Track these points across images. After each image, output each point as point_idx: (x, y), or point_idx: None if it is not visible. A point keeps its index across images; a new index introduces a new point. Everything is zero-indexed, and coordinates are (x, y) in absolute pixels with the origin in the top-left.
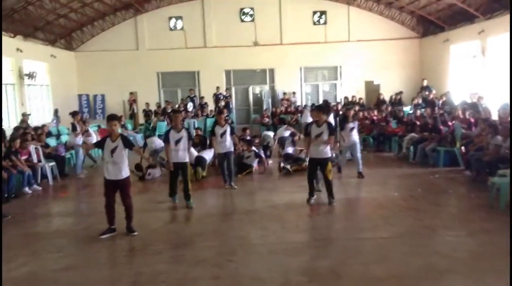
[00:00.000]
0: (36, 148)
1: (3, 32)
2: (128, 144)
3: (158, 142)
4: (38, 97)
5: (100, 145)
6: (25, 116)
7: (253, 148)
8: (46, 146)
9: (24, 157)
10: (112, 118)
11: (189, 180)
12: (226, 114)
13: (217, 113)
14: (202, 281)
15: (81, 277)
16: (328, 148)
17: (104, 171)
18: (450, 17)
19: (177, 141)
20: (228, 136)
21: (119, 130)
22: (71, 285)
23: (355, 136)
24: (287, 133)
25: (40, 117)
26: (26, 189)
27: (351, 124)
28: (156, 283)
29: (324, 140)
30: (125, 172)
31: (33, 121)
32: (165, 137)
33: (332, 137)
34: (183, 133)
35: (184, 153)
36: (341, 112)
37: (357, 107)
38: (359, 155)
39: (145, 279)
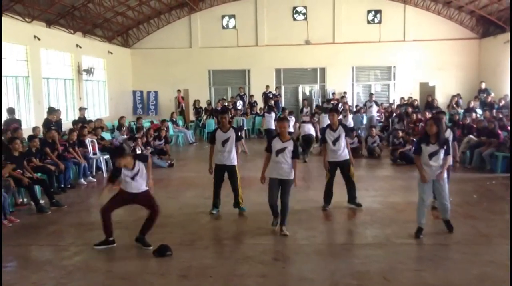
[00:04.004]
0: (92, 141)
1: (63, 29)
2: (144, 159)
3: None
4: (94, 92)
5: (117, 175)
6: (82, 110)
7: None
8: (102, 139)
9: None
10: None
11: (239, 186)
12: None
13: (279, 120)
14: (249, 278)
15: (132, 267)
16: (347, 150)
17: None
18: None
19: (224, 142)
20: (288, 158)
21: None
22: (123, 275)
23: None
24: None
25: (96, 111)
26: (82, 180)
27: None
28: (204, 277)
29: (345, 146)
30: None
31: (89, 115)
32: (211, 138)
33: (349, 138)
34: (231, 133)
35: (231, 155)
36: (394, 114)
37: (410, 109)
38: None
39: (193, 272)
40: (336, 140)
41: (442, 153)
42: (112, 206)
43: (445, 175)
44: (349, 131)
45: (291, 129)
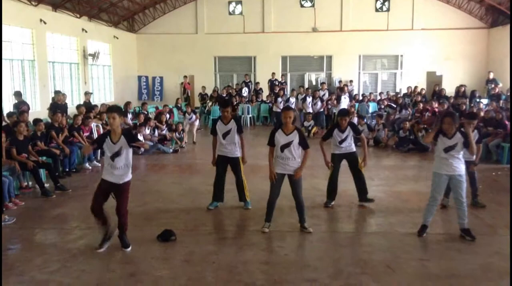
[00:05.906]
0: (97, 126)
1: (69, 13)
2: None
3: None
4: (100, 77)
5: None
6: (87, 94)
7: None
8: (107, 123)
9: (85, 134)
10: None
11: (243, 179)
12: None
13: (284, 110)
14: (252, 265)
15: (136, 252)
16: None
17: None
18: None
19: (225, 135)
20: (294, 152)
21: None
22: (126, 260)
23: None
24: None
25: (101, 96)
26: (87, 164)
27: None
28: (207, 262)
29: (352, 142)
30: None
31: (94, 100)
32: (212, 129)
33: (359, 136)
34: (232, 125)
35: (233, 147)
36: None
37: (418, 98)
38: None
39: (196, 258)
40: (343, 141)
41: (460, 147)
42: (98, 201)
43: (464, 171)
44: (358, 130)
45: (310, 110)
